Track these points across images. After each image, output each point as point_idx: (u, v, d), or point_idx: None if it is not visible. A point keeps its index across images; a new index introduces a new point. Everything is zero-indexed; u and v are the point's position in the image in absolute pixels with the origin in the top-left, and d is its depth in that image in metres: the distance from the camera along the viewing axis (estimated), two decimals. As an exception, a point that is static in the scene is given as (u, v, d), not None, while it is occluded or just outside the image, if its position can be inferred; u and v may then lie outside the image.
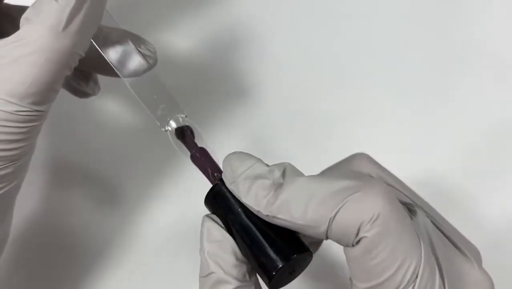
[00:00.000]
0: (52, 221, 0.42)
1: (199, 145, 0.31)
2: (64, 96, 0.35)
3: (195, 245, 0.39)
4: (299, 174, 0.26)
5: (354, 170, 0.29)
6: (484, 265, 0.26)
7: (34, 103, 0.26)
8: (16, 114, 0.26)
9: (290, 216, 0.24)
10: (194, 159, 0.30)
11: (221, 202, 0.27)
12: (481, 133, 0.44)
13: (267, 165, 0.26)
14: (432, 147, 0.43)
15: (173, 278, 0.40)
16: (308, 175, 0.26)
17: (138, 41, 0.31)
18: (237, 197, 0.26)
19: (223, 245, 0.26)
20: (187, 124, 0.32)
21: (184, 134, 0.31)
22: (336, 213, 0.23)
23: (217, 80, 0.46)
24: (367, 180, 0.25)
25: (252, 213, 0.26)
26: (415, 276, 0.23)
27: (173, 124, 0.32)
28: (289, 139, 0.44)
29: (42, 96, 0.26)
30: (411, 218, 0.25)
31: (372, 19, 0.48)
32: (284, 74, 0.46)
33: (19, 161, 0.27)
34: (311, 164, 0.40)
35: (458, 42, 0.47)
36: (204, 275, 0.26)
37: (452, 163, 0.43)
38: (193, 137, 0.31)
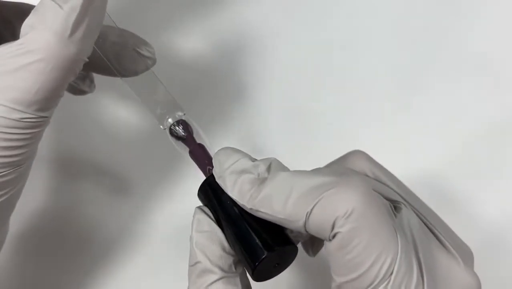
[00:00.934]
0: (58, 215, 0.42)
1: (198, 141, 0.31)
2: (66, 94, 0.35)
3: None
4: (283, 169, 0.27)
5: (343, 166, 0.29)
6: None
7: (39, 110, 0.26)
8: (21, 121, 0.25)
9: (271, 210, 0.25)
10: (192, 154, 0.31)
11: (211, 195, 0.28)
12: (480, 133, 0.44)
13: (255, 160, 0.27)
14: (431, 147, 0.44)
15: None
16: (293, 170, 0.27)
17: (136, 41, 0.31)
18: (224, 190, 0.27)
19: (211, 236, 0.27)
20: (183, 119, 0.32)
21: (183, 130, 0.31)
22: (312, 208, 0.24)
23: (216, 79, 0.46)
24: (347, 175, 0.25)
25: (239, 206, 0.27)
26: (390, 271, 0.23)
27: (172, 123, 0.32)
28: (287, 139, 0.44)
29: (47, 103, 0.26)
30: (394, 215, 0.26)
31: (371, 19, 0.48)
32: (283, 74, 0.46)
33: (22, 166, 0.27)
34: (309, 163, 0.41)
35: (457, 44, 0.47)
36: (192, 264, 0.27)
37: (451, 162, 0.43)
38: (191, 133, 0.32)
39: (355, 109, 0.45)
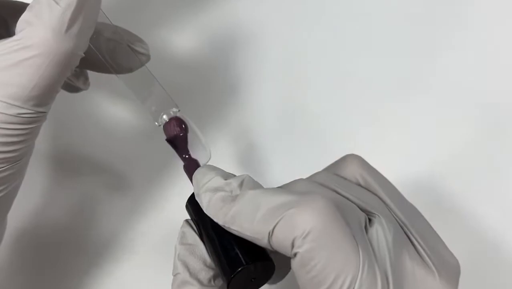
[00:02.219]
0: (54, 213, 0.42)
1: (196, 141, 0.32)
2: (62, 91, 0.35)
3: None
4: (255, 186, 0.27)
5: (311, 182, 0.29)
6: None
7: (36, 105, 0.26)
8: (18, 116, 0.26)
9: (240, 228, 0.26)
10: (185, 168, 0.32)
11: (195, 211, 0.30)
12: (480, 134, 0.44)
13: (230, 176, 0.28)
14: (430, 148, 0.44)
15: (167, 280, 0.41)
16: (266, 187, 0.28)
17: (130, 37, 0.32)
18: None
19: (193, 249, 0.28)
20: (178, 116, 0.32)
21: (176, 144, 0.32)
22: (274, 227, 0.25)
23: (210, 77, 0.46)
24: (309, 194, 0.26)
25: (216, 225, 0.28)
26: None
27: (166, 119, 0.32)
28: (284, 139, 0.44)
29: (44, 98, 0.26)
30: (366, 229, 0.26)
31: (370, 19, 0.48)
32: (280, 73, 0.46)
33: (20, 162, 0.28)
34: (304, 161, 0.42)
35: (457, 44, 0.47)
36: (173, 274, 0.28)
37: (451, 163, 0.43)
38: (186, 131, 0.32)
39: (352, 108, 0.45)
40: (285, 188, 0.28)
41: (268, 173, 0.43)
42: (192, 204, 0.30)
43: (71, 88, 0.35)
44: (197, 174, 0.29)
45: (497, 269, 0.39)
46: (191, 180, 0.31)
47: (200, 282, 0.27)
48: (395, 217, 0.27)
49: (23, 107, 0.26)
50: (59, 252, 0.41)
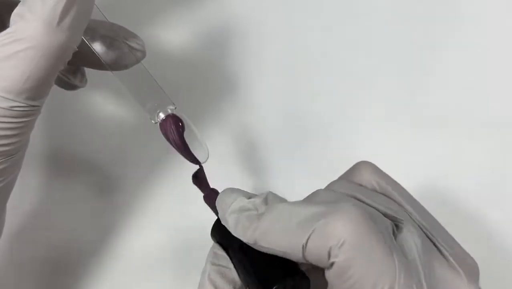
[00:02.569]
0: (48, 215, 0.42)
1: (193, 139, 0.32)
2: (57, 89, 0.35)
3: (194, 240, 0.41)
4: (279, 201, 0.27)
5: (337, 192, 0.29)
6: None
7: (30, 98, 0.26)
8: (12, 110, 0.26)
9: (271, 244, 0.26)
10: (206, 199, 0.32)
11: (221, 234, 0.30)
12: (486, 136, 0.44)
13: (252, 196, 0.28)
14: (431, 150, 0.43)
15: (171, 273, 0.41)
16: (289, 200, 0.27)
17: (126, 34, 0.32)
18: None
19: (224, 272, 0.28)
20: (174, 114, 0.32)
21: (198, 177, 0.33)
22: (307, 241, 0.25)
23: (210, 75, 0.46)
24: (337, 204, 0.26)
25: (246, 246, 0.27)
26: None
27: (162, 116, 0.32)
28: (285, 138, 0.44)
29: (38, 92, 0.26)
30: (395, 234, 0.26)
31: (370, 18, 0.48)
32: (279, 72, 0.46)
33: (15, 156, 0.28)
34: (305, 160, 0.41)
35: (458, 43, 0.47)
36: None
37: (454, 166, 0.43)
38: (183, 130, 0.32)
39: (353, 106, 0.45)
40: (308, 200, 0.28)
41: (269, 173, 0.43)
42: (218, 229, 0.30)
43: (68, 85, 0.35)
44: (219, 198, 0.29)
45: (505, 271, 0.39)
46: (212, 207, 0.31)
47: None
48: (417, 222, 0.27)
49: (16, 101, 0.26)
50: (52, 253, 0.41)
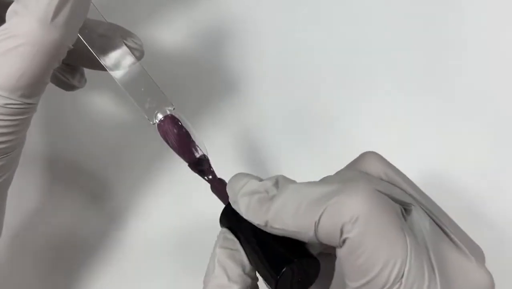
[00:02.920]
0: (44, 217, 0.42)
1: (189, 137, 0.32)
2: (56, 91, 0.35)
3: (189, 240, 0.41)
4: (290, 182, 0.27)
5: (351, 171, 0.29)
6: (492, 264, 0.26)
7: (24, 96, 0.26)
8: (6, 107, 0.26)
9: (283, 225, 0.26)
10: (213, 188, 0.32)
11: (232, 219, 0.29)
12: (486, 131, 0.44)
13: (262, 180, 0.28)
14: (433, 146, 0.44)
15: (168, 273, 0.41)
16: (300, 181, 0.27)
17: (124, 34, 0.32)
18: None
19: (234, 255, 0.28)
20: (173, 114, 0.32)
21: (202, 166, 0.32)
22: (319, 218, 0.24)
23: (209, 76, 0.46)
24: (351, 181, 0.26)
25: (257, 229, 0.27)
26: (401, 274, 0.23)
27: (160, 117, 0.32)
28: (282, 137, 0.44)
29: (32, 89, 0.26)
30: (405, 217, 0.26)
31: (371, 16, 0.48)
32: (278, 71, 0.46)
33: (10, 154, 0.27)
34: (307, 157, 0.41)
35: (459, 41, 0.47)
36: (208, 278, 0.27)
37: (454, 162, 0.43)
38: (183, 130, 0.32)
39: (353, 105, 0.45)
40: (318, 182, 0.28)
41: (269, 173, 0.43)
42: (227, 214, 0.30)
43: (67, 86, 0.35)
44: (230, 182, 0.29)
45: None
46: (221, 197, 0.31)
47: (238, 287, 0.27)
48: (424, 209, 0.27)
49: (10, 98, 0.26)
50: (48, 253, 0.41)
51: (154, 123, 0.32)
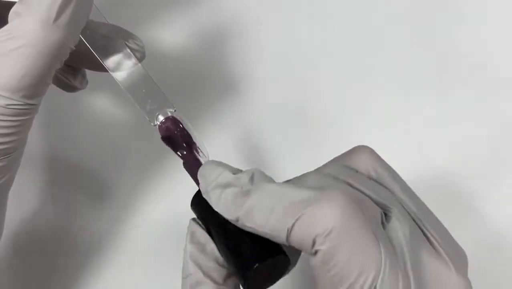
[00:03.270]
0: (43, 217, 0.42)
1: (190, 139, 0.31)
2: (57, 92, 0.35)
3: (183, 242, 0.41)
4: (266, 180, 0.27)
5: (327, 175, 0.28)
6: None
7: (26, 96, 0.26)
8: (8, 108, 0.26)
9: (254, 223, 0.25)
10: (185, 166, 0.31)
11: (202, 209, 0.28)
12: (485, 131, 0.44)
13: (238, 171, 0.27)
14: (432, 146, 0.43)
15: (167, 273, 0.40)
16: (276, 181, 0.27)
17: (125, 35, 0.32)
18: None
19: (204, 248, 0.27)
20: (174, 116, 0.32)
21: (172, 141, 0.32)
22: (293, 225, 0.24)
23: (211, 77, 0.46)
24: (328, 189, 0.25)
25: (227, 222, 0.27)
26: (374, 286, 0.23)
27: (161, 119, 0.32)
28: (282, 137, 0.44)
29: (34, 90, 0.26)
30: (383, 224, 0.25)
31: (371, 16, 0.48)
32: (279, 71, 0.46)
33: (12, 155, 0.27)
34: (306, 158, 0.41)
35: (460, 40, 0.47)
36: (184, 277, 0.27)
37: (454, 162, 0.43)
38: (182, 131, 0.32)
39: (354, 104, 0.45)
40: (297, 182, 0.27)
41: (270, 173, 0.42)
42: (199, 202, 0.29)
43: (68, 87, 0.35)
44: (203, 170, 0.28)
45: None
46: (192, 176, 0.30)
47: (214, 281, 0.26)
48: (409, 211, 0.27)
49: (12, 98, 0.26)
50: (49, 254, 0.41)
51: (155, 125, 0.32)
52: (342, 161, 0.29)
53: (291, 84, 0.46)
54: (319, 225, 0.23)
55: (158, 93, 0.32)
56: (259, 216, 0.25)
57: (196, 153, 0.32)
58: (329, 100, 0.45)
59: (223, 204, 0.26)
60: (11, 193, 0.30)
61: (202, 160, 0.32)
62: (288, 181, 0.28)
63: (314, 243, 0.24)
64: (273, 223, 0.25)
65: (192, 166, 0.30)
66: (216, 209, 0.27)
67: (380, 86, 0.45)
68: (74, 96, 0.37)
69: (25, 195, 0.41)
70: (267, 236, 0.25)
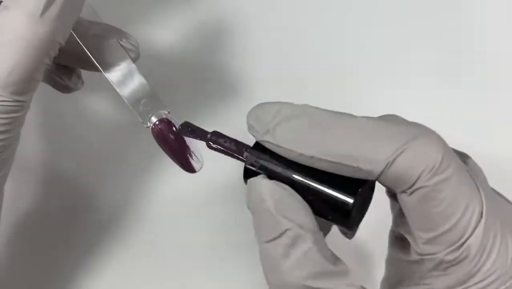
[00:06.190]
0: (43, 215, 0.42)
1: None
2: (54, 94, 0.35)
3: (186, 241, 0.41)
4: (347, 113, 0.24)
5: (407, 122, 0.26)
6: None
7: (15, 93, 0.26)
8: None
9: (339, 157, 0.23)
10: (213, 142, 0.29)
11: (263, 167, 0.25)
12: (488, 130, 0.44)
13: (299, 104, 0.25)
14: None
15: (169, 274, 0.41)
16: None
17: (120, 34, 0.31)
18: (275, 145, 0.24)
19: (291, 198, 0.24)
20: (168, 118, 0.31)
21: (191, 128, 0.30)
22: (396, 157, 0.22)
23: (206, 77, 0.45)
24: (424, 127, 0.24)
25: (299, 165, 0.24)
26: (479, 219, 0.22)
27: (155, 121, 0.32)
28: None
29: (23, 86, 0.26)
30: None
31: (371, 17, 0.48)
32: (277, 71, 0.45)
33: (3, 153, 0.27)
34: None
35: (460, 40, 0.47)
36: (274, 237, 0.23)
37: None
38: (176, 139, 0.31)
39: (355, 107, 0.43)
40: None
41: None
42: (253, 166, 0.25)
43: (63, 87, 0.35)
44: (254, 112, 0.25)
45: None
46: (225, 151, 0.28)
47: (313, 233, 0.23)
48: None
49: (0, 95, 0.25)
50: (46, 254, 0.41)
51: (148, 127, 0.32)
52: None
53: (290, 84, 0.45)
54: (429, 158, 0.22)
55: (152, 94, 0.32)
56: (347, 148, 0.22)
57: (189, 157, 0.32)
58: (329, 100, 0.44)
59: (293, 138, 0.23)
60: (11, 193, 0.30)
61: (194, 164, 0.32)
62: (367, 117, 0.25)
63: (418, 178, 0.22)
64: (367, 155, 0.22)
65: (222, 139, 0.29)
66: (284, 145, 0.23)
67: (380, 86, 0.45)
68: (74, 97, 0.37)
69: (20, 196, 0.41)
70: (351, 172, 0.23)
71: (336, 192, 0.24)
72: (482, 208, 0.23)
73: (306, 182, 0.24)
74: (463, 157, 0.26)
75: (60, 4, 0.25)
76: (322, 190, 0.24)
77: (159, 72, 0.41)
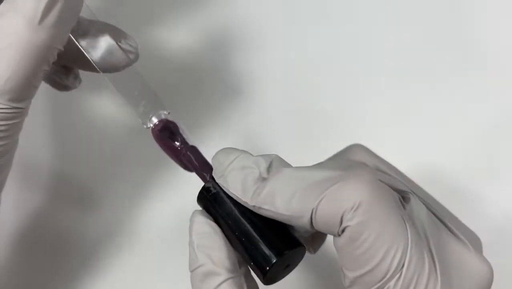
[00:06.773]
0: (40, 222, 0.41)
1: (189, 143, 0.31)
2: (53, 95, 0.35)
3: (184, 243, 0.40)
4: (286, 165, 0.26)
5: (347, 159, 0.29)
6: (490, 260, 0.26)
7: (13, 100, 0.25)
8: None
9: (275, 207, 0.25)
10: (185, 158, 0.30)
11: (212, 199, 0.28)
12: (483, 129, 0.44)
13: (254, 156, 0.27)
14: (433, 146, 0.43)
15: (163, 277, 0.41)
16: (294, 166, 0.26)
17: (118, 35, 0.30)
18: (225, 190, 0.26)
19: (212, 237, 0.26)
20: (168, 119, 0.31)
21: (171, 134, 0.31)
22: (318, 204, 0.24)
23: (208, 79, 0.45)
24: (352, 168, 0.25)
25: (244, 208, 0.26)
26: (402, 263, 0.23)
27: (155, 121, 0.31)
28: (284, 138, 0.44)
29: (21, 93, 0.25)
30: (403, 205, 0.25)
31: (371, 17, 0.48)
32: (278, 72, 0.46)
33: (1, 159, 0.27)
34: (310, 162, 0.41)
35: (459, 41, 0.47)
36: (193, 269, 0.26)
37: (453, 162, 0.43)
38: (178, 135, 0.31)
39: (355, 107, 0.45)
40: (316, 167, 0.27)
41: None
42: (207, 194, 0.28)
43: (60, 86, 0.34)
44: (219, 155, 0.27)
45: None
46: (195, 169, 0.29)
47: (227, 270, 0.25)
48: (420, 199, 0.27)
49: None
50: (46, 258, 0.41)
51: (148, 128, 0.31)
52: (341, 157, 0.29)
53: (293, 86, 0.45)
54: (347, 200, 0.23)
55: (152, 95, 0.31)
56: (281, 198, 0.24)
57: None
58: (332, 102, 0.45)
59: (240, 187, 0.25)
60: (13, 196, 0.30)
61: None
62: (305, 167, 0.27)
63: (341, 220, 0.23)
64: (295, 205, 0.24)
65: (195, 157, 0.30)
66: (232, 192, 0.26)
67: (380, 86, 0.45)
68: (73, 97, 0.36)
69: (22, 198, 0.41)
70: (287, 220, 0.25)
71: (263, 245, 0.26)
72: (406, 251, 0.23)
73: (243, 225, 0.26)
74: (406, 194, 0.26)
75: (59, 11, 0.25)
76: (253, 238, 0.26)
77: (160, 72, 0.41)
